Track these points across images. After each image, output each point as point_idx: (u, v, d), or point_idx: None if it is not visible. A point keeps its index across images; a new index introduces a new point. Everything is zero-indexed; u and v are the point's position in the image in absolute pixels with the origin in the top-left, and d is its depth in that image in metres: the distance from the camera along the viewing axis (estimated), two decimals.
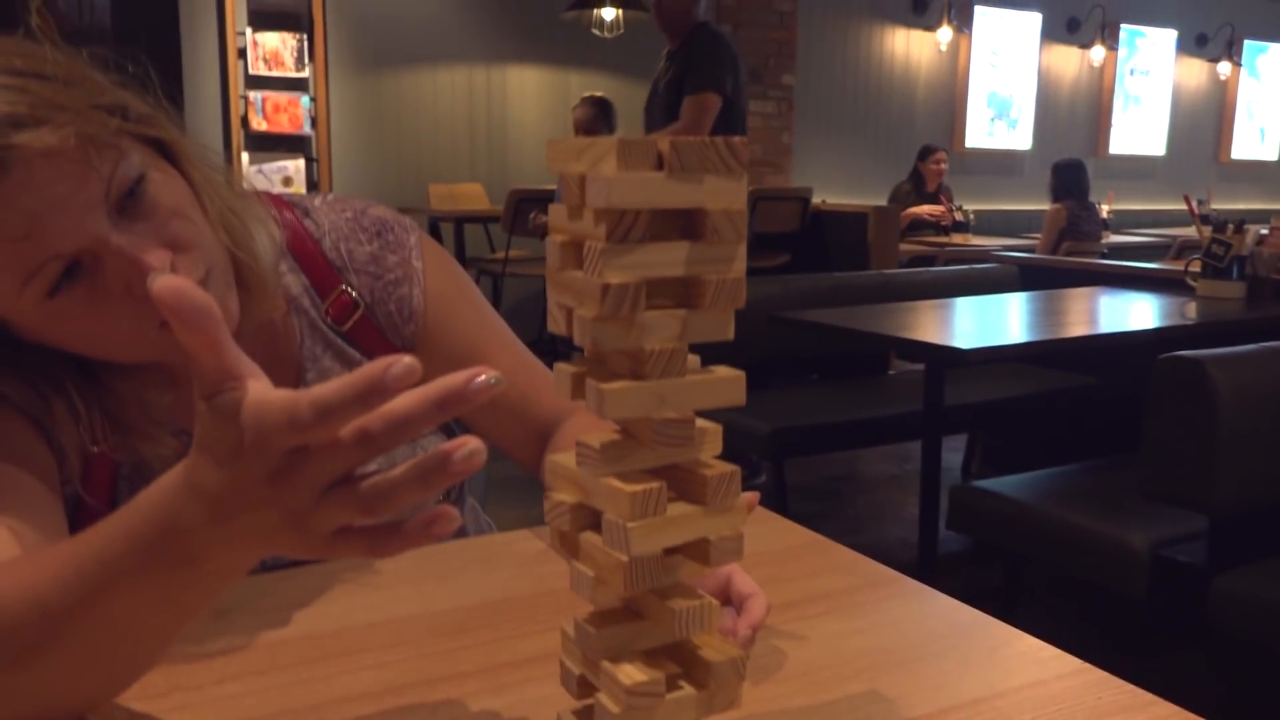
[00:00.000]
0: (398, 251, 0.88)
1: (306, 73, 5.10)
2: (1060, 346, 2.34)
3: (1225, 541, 1.75)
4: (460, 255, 5.16)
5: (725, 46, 3.53)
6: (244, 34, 5.01)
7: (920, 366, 2.41)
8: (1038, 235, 5.53)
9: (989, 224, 6.48)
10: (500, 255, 5.08)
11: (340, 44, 5.25)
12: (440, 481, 0.42)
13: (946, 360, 2.24)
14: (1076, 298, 2.94)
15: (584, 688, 0.49)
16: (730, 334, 0.45)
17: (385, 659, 0.65)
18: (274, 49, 5.04)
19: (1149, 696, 0.60)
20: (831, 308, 2.77)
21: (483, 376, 0.41)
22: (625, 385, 0.43)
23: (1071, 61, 7.75)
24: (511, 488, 2.94)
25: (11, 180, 0.60)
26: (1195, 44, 8.23)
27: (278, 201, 0.86)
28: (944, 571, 2.55)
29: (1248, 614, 1.64)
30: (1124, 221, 6.91)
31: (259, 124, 5.03)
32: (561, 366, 0.47)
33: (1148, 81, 8.05)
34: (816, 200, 5.11)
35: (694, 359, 0.46)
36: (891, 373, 3.65)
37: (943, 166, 6.05)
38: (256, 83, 5.04)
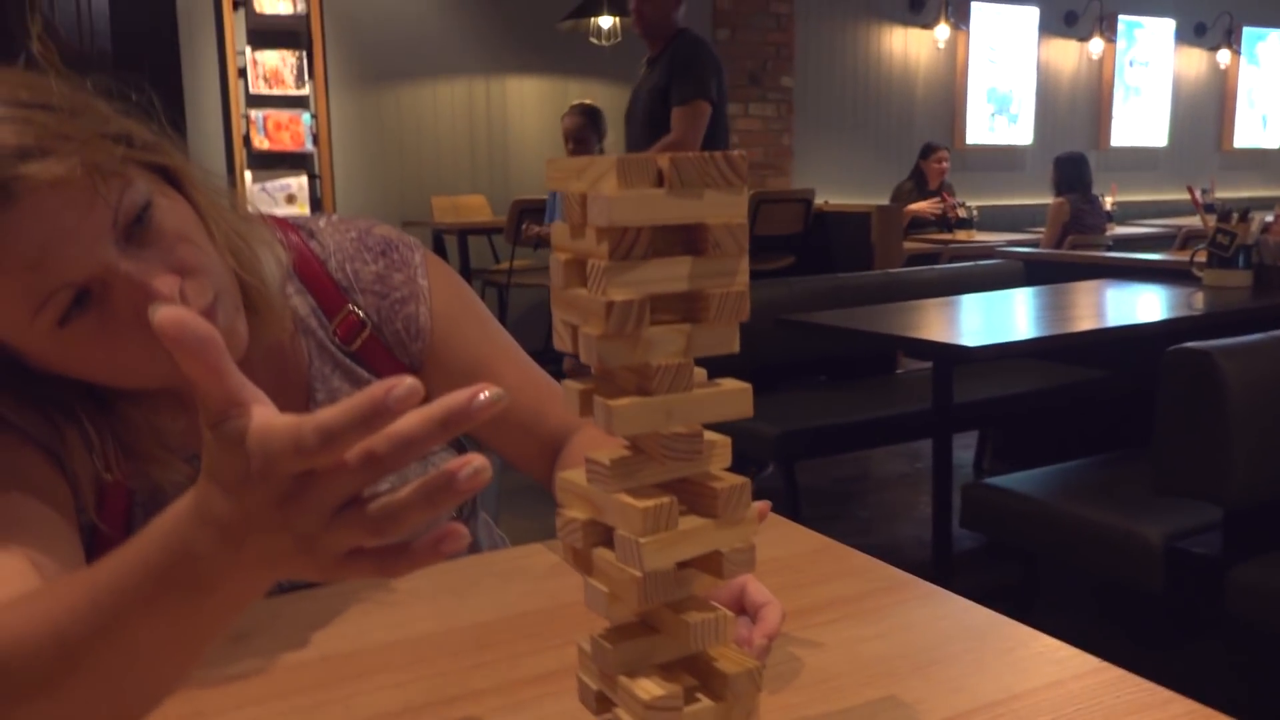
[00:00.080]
0: (403, 270, 0.88)
1: (307, 90, 5.13)
2: (1067, 341, 2.33)
3: (1240, 532, 1.74)
4: (465, 267, 5.17)
5: (708, 52, 3.53)
6: (244, 53, 5.03)
7: (928, 365, 2.41)
8: (1042, 230, 5.52)
9: (993, 220, 6.47)
10: (505, 266, 5.10)
11: (339, 60, 5.27)
12: (447, 500, 0.42)
13: (954, 358, 2.23)
14: (1082, 291, 2.93)
15: (602, 703, 0.49)
16: (735, 347, 0.46)
17: (403, 679, 0.65)
18: (274, 67, 5.07)
19: (1167, 693, 0.60)
20: (837, 309, 2.77)
21: (486, 394, 0.41)
22: (633, 401, 0.44)
23: (1070, 54, 7.74)
24: (524, 498, 2.93)
25: (20, 211, 0.61)
26: (1194, 33, 8.22)
27: (283, 224, 0.87)
28: (959, 569, 2.54)
29: (1265, 604, 1.63)
30: (1128, 213, 6.89)
31: (261, 142, 5.05)
32: (570, 384, 0.47)
33: (1147, 72, 8.04)
34: (819, 201, 5.11)
35: (700, 372, 0.46)
36: (899, 371, 3.64)
37: (945, 165, 6.05)
38: (257, 101, 5.06)
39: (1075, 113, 7.81)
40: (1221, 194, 6.93)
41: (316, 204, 5.19)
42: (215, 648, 0.54)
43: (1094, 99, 7.89)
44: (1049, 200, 5.37)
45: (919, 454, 3.77)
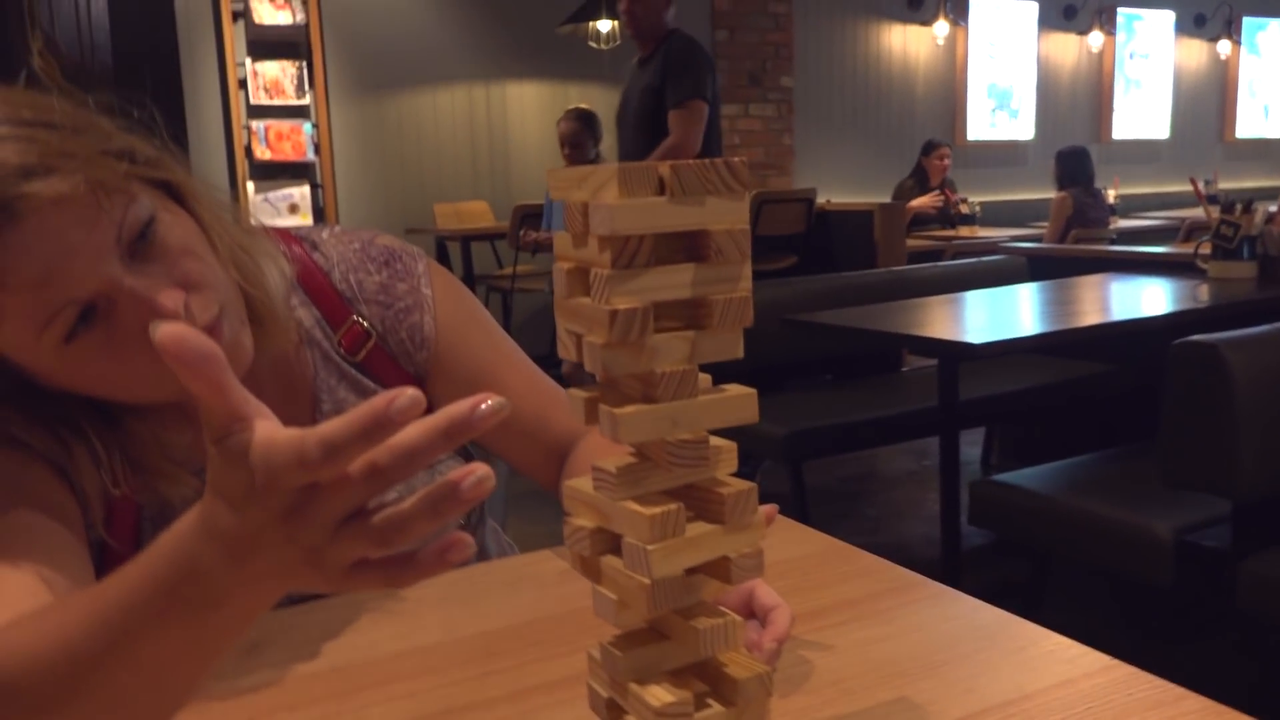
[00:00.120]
0: (406, 280, 0.88)
1: (307, 99, 5.14)
2: (1072, 336, 2.33)
3: (1250, 525, 1.73)
4: (468, 273, 5.18)
5: (702, 51, 3.53)
6: (244, 64, 5.05)
7: (933, 362, 2.40)
8: (1045, 225, 5.51)
9: (996, 215, 6.46)
10: (508, 271, 5.10)
11: (339, 69, 5.29)
12: (451, 510, 0.42)
13: (959, 355, 2.23)
14: (1086, 286, 2.92)
15: (613, 710, 0.49)
16: (739, 352, 0.46)
17: (414, 688, 0.65)
18: (274, 78, 5.08)
19: (1179, 691, 0.60)
20: (841, 308, 2.77)
21: (488, 403, 0.41)
22: (638, 409, 0.44)
23: (1070, 48, 7.73)
24: (532, 503, 2.93)
25: (25, 229, 0.61)
26: (1193, 24, 8.20)
27: (286, 236, 0.87)
28: (968, 567, 2.53)
29: (1276, 597, 1.63)
30: (1131, 206, 6.87)
31: (263, 153, 5.07)
32: (575, 392, 0.47)
33: (1148, 64, 8.03)
34: (821, 201, 5.11)
35: (705, 378, 0.46)
36: (905, 369, 3.64)
37: (947, 162, 6.04)
38: (258, 112, 5.08)
39: (1076, 106, 7.80)
40: (1225, 185, 6.91)
41: (319, 213, 5.21)
42: (227, 660, 0.54)
43: (1095, 92, 7.88)
44: (1051, 195, 5.37)
45: (926, 451, 3.77)
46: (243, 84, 5.04)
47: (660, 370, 0.44)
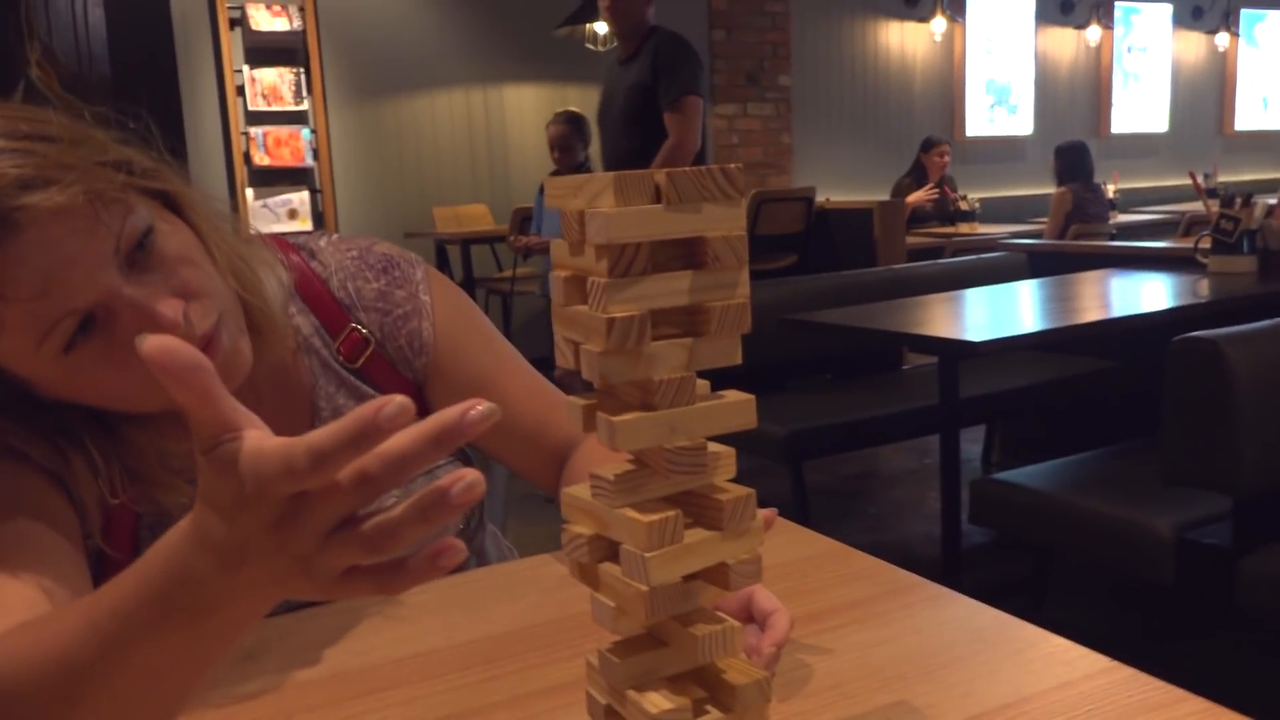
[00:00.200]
0: (405, 286, 0.89)
1: (305, 105, 5.14)
2: (1073, 333, 2.33)
3: (1250, 522, 1.73)
4: (468, 276, 5.18)
5: (690, 47, 3.51)
6: (241, 71, 5.05)
7: (933, 360, 2.41)
8: (1045, 220, 5.51)
9: (995, 211, 6.46)
10: (508, 274, 5.11)
11: (337, 75, 5.29)
12: (440, 516, 0.42)
13: (959, 353, 2.23)
14: (1086, 282, 2.92)
15: (611, 717, 0.49)
16: (738, 359, 0.46)
17: (413, 694, 0.65)
18: (272, 84, 5.09)
19: (1180, 692, 0.60)
20: (840, 307, 2.77)
21: (479, 408, 0.41)
22: (636, 417, 0.44)
23: (1068, 43, 7.73)
24: (531, 506, 2.94)
25: (23, 240, 0.61)
26: (1191, 16, 8.20)
27: (284, 244, 0.87)
28: (969, 566, 2.53)
29: (1276, 594, 1.63)
30: (1131, 200, 6.87)
31: (261, 159, 5.07)
32: (573, 399, 0.47)
33: (1146, 58, 8.02)
34: (820, 199, 5.11)
35: (703, 384, 0.46)
36: (905, 368, 3.64)
37: (945, 159, 6.04)
38: (256, 118, 5.08)
39: (1075, 101, 7.79)
40: (1224, 178, 6.92)
41: (319, 219, 5.21)
42: (226, 667, 0.54)
43: (1093, 87, 7.88)
44: (1051, 190, 5.36)
45: (927, 450, 3.77)
46: (240, 90, 5.05)
47: (658, 377, 0.44)
